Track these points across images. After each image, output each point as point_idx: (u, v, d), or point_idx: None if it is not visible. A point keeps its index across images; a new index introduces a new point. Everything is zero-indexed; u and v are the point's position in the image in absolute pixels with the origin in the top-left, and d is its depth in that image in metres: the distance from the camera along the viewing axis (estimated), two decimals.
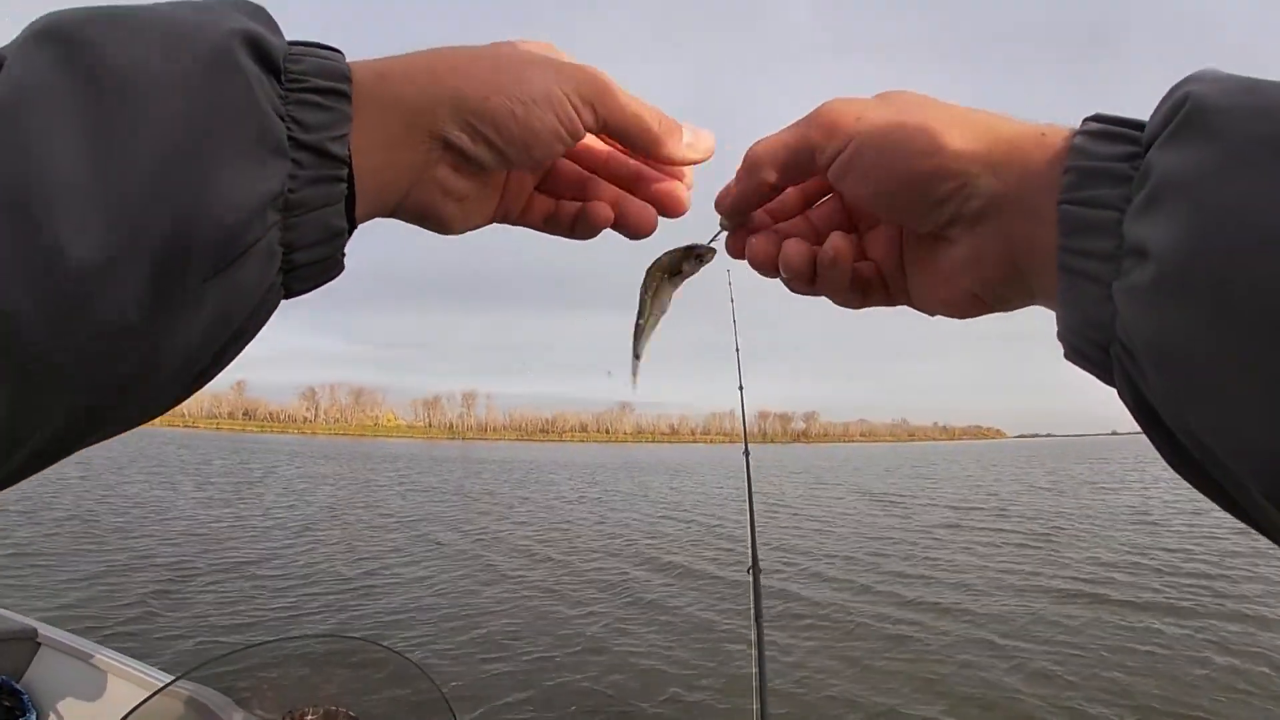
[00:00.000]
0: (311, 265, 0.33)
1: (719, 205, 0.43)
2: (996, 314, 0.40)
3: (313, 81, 0.31)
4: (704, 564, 9.71)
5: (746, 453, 3.26)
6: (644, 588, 8.32)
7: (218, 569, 8.37)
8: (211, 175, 0.27)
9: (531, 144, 0.36)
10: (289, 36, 0.32)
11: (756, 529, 3.24)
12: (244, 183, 0.28)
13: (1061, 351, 0.33)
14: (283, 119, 0.30)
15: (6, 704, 2.01)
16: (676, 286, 0.47)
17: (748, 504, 3.13)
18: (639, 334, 0.48)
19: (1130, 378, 0.28)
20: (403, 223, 0.39)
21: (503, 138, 0.36)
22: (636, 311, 0.47)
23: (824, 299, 0.44)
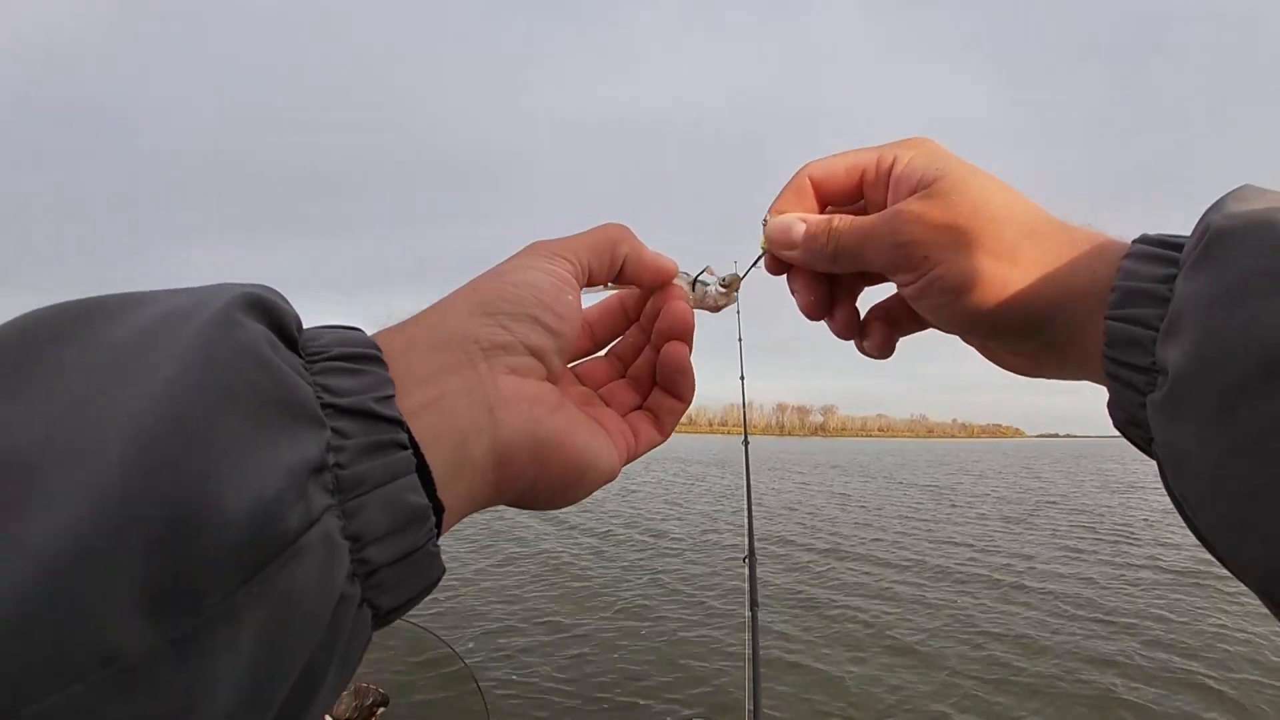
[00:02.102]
0: (396, 564, 0.26)
1: (775, 241, 0.44)
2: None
3: (337, 350, 0.27)
4: (700, 554, 9.79)
5: (746, 443, 3.34)
6: (646, 574, 8.43)
7: None
8: (221, 438, 0.21)
9: (542, 297, 0.35)
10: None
11: (754, 519, 3.33)
12: (270, 450, 0.22)
13: None
14: (311, 386, 0.25)
15: None
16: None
17: (745, 494, 3.21)
18: None
19: (1163, 470, 0.31)
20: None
21: (518, 304, 0.34)
22: None
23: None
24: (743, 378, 3.21)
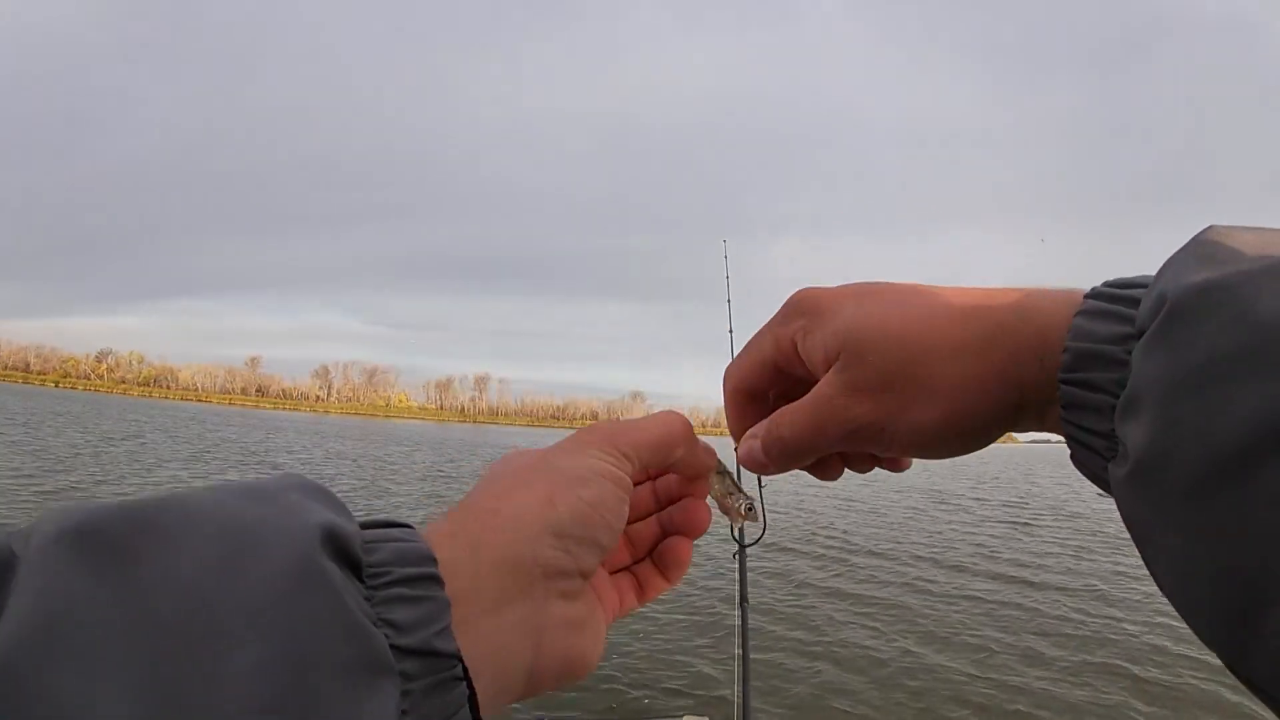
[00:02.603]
0: None
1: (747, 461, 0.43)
2: None
3: (397, 572, 0.27)
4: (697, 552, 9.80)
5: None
6: None
7: None
8: None
9: (607, 516, 0.35)
10: None
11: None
12: None
13: None
14: (376, 625, 0.25)
15: None
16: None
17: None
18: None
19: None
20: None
21: (587, 528, 0.34)
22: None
23: None
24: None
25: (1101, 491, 0.33)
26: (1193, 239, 0.29)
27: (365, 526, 0.29)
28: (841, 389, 0.37)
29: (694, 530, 0.43)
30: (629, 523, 0.41)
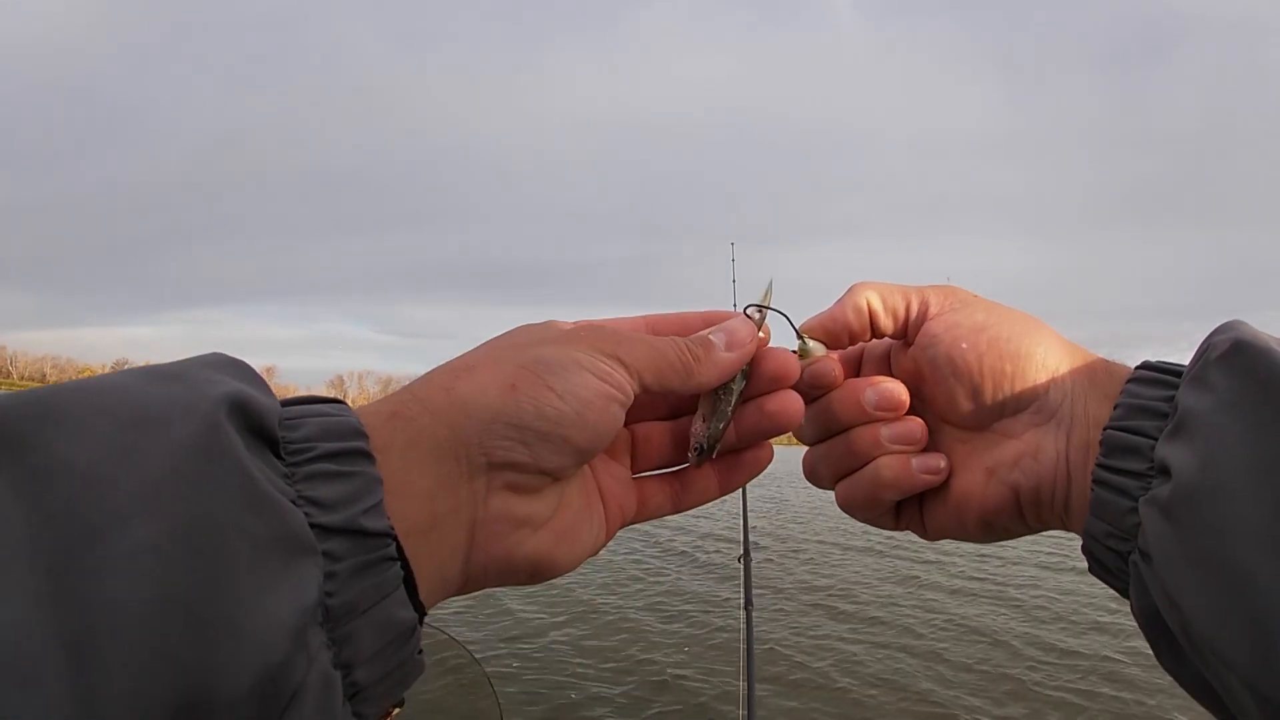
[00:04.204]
0: (383, 680, 0.26)
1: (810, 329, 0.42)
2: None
3: (321, 447, 0.25)
4: (700, 552, 9.80)
5: None
6: (643, 568, 8.45)
7: None
8: (221, 610, 0.20)
9: (586, 414, 0.31)
10: None
11: (749, 518, 3.37)
12: (268, 607, 0.21)
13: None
14: (296, 504, 0.23)
15: None
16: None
17: (741, 494, 3.25)
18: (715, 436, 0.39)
19: (1143, 582, 0.32)
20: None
21: (553, 424, 0.31)
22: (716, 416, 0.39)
23: None
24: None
25: (1103, 565, 0.35)
26: (1227, 321, 0.33)
27: (291, 404, 0.27)
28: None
29: (784, 423, 0.40)
30: (670, 419, 0.41)
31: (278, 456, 0.24)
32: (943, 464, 0.40)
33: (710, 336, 0.37)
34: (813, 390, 0.42)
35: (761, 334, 0.40)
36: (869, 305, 0.42)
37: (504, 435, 0.30)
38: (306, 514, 0.23)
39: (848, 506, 0.42)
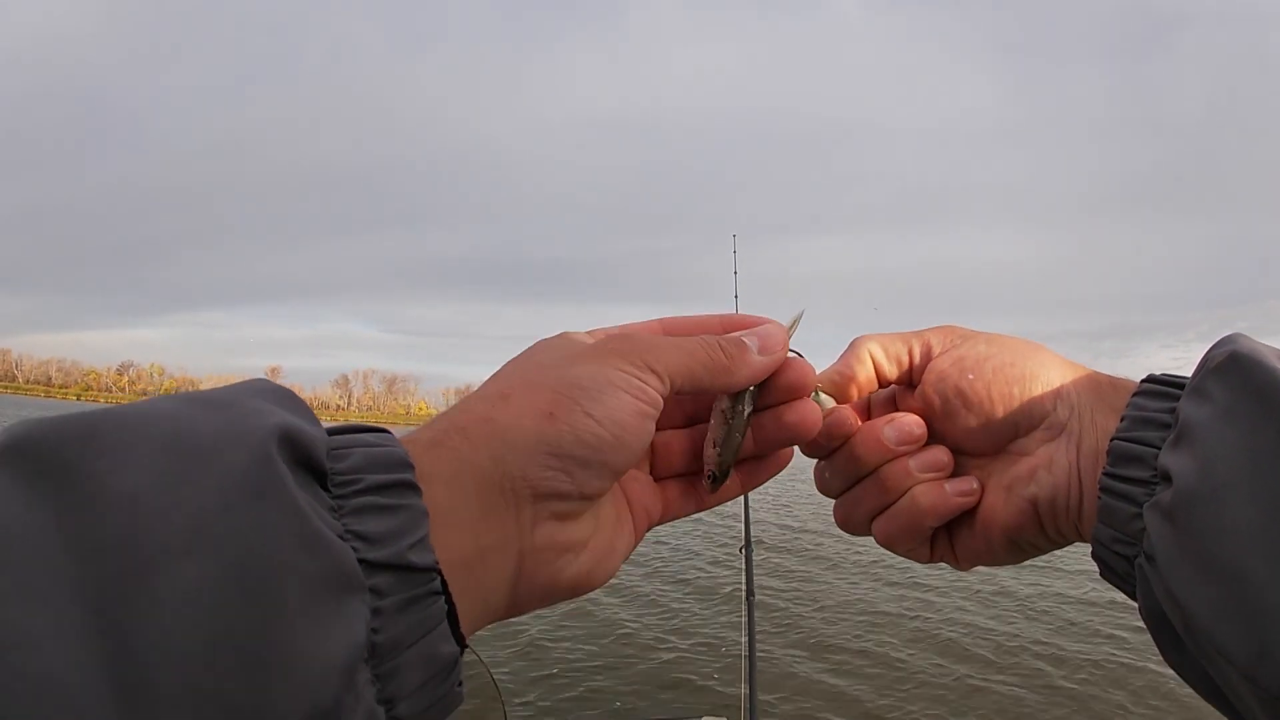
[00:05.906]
0: (424, 714, 0.26)
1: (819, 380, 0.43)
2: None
3: (368, 479, 0.25)
4: (702, 547, 9.82)
5: None
6: (647, 565, 8.48)
7: None
8: (273, 651, 0.20)
9: (624, 436, 0.32)
10: None
11: (750, 510, 3.39)
12: (319, 648, 0.21)
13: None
14: (343, 538, 0.23)
15: None
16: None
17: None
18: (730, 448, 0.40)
19: (1148, 583, 0.33)
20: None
21: (593, 450, 0.31)
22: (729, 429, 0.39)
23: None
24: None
25: (1111, 569, 0.36)
26: (1226, 335, 0.35)
27: (336, 433, 0.27)
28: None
29: (802, 433, 0.40)
30: (685, 427, 0.42)
31: (325, 488, 0.25)
32: (974, 484, 0.42)
33: (744, 339, 0.38)
34: (831, 441, 0.43)
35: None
36: (873, 357, 0.44)
37: (546, 465, 0.30)
38: (354, 548, 0.23)
39: (889, 541, 0.43)
